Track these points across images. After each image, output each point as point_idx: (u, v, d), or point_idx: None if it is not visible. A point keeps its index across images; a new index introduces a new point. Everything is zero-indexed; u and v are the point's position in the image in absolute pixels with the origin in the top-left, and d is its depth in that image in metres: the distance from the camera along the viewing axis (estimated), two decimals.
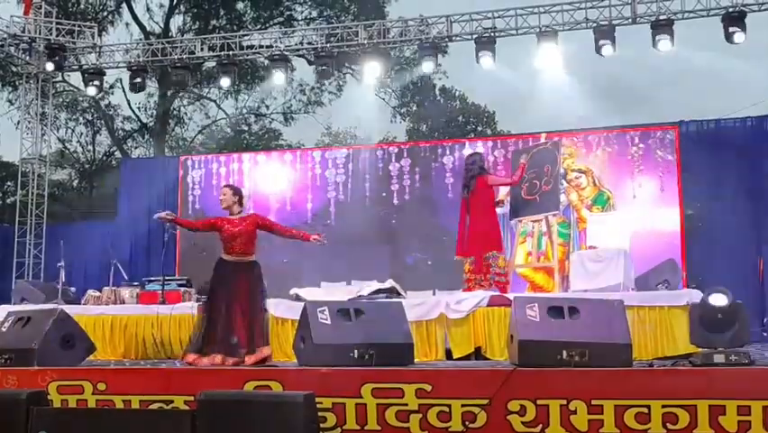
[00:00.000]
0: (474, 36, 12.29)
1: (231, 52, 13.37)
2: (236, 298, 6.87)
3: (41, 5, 13.98)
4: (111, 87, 22.13)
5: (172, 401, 5.47)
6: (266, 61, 14.04)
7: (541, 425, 4.98)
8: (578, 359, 5.31)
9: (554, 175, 9.23)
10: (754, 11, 11.31)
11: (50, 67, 13.67)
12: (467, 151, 12.05)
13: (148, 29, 22.96)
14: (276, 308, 8.24)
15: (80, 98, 23.23)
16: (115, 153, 24.80)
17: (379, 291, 8.33)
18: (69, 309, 7.53)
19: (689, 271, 10.51)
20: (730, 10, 11.27)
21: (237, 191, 7.25)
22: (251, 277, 6.98)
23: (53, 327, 6.55)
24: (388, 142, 23.42)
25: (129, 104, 23.59)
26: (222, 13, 23.37)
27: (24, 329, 6.64)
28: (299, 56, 15.46)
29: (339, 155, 13.49)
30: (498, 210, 9.25)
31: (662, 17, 11.54)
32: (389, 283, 8.51)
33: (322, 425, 5.07)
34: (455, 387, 5.19)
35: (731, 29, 11.20)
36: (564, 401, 4.96)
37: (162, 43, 14.06)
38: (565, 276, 8.94)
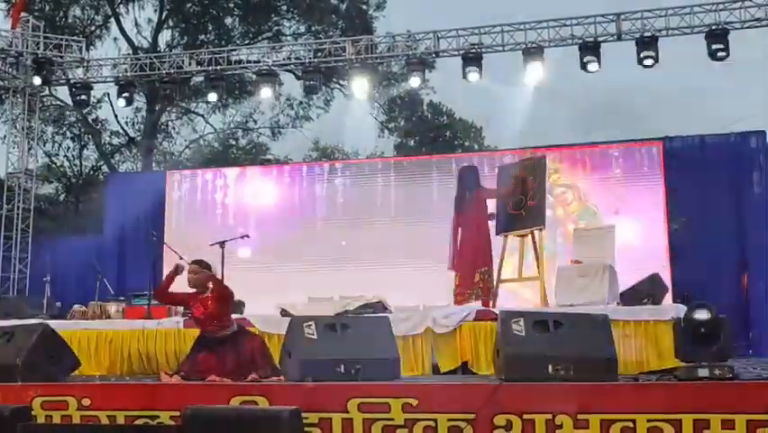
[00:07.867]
0: (461, 52, 12.37)
1: (219, 67, 13.38)
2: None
3: (28, 19, 13.96)
4: (98, 101, 22.09)
5: (158, 417, 5.45)
6: (254, 76, 14.06)
7: None
8: (563, 373, 5.35)
9: (540, 190, 9.28)
10: (737, 28, 11.45)
11: (37, 81, 13.61)
12: (454, 166, 12.09)
13: (136, 43, 22.94)
14: (262, 322, 8.25)
15: (67, 112, 23.16)
16: (102, 168, 24.72)
17: (365, 306, 8.33)
18: (55, 324, 7.49)
19: (674, 285, 10.54)
20: (713, 27, 11.40)
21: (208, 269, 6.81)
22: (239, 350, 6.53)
23: (38, 342, 6.51)
24: (376, 156, 23.53)
25: (116, 118, 23.58)
26: (210, 28, 23.38)
27: (9, 344, 6.59)
28: (287, 71, 15.52)
29: (326, 170, 13.51)
30: (490, 223, 9.30)
31: (646, 34, 11.67)
32: (376, 298, 8.51)
33: None
34: (441, 401, 5.20)
35: (714, 46, 11.34)
36: (550, 416, 4.98)
37: (150, 58, 14.06)
38: (551, 291, 8.96)
